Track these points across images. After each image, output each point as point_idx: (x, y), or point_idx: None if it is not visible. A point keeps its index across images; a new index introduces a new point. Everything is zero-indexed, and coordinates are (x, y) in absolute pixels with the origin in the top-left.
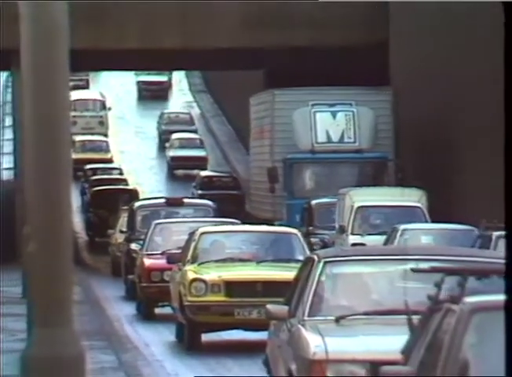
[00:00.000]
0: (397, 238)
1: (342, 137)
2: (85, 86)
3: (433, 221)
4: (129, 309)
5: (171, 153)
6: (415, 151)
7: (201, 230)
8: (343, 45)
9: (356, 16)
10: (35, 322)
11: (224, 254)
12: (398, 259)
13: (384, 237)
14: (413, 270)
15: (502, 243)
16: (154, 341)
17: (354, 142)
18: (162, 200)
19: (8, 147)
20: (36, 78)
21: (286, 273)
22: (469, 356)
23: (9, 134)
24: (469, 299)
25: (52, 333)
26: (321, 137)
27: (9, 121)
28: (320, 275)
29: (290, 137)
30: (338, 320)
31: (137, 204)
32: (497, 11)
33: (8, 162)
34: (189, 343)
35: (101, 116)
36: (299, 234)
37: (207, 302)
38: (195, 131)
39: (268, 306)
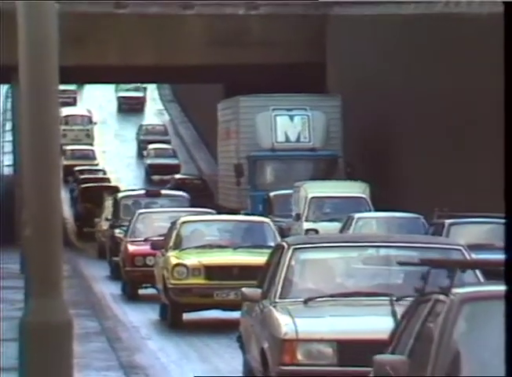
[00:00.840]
0: (353, 225)
1: (299, 137)
2: (73, 103)
3: (376, 210)
4: (114, 287)
5: (149, 161)
6: (360, 149)
7: (182, 219)
8: (288, 62)
9: (299, 37)
10: (31, 294)
11: (204, 241)
12: (360, 246)
13: (334, 223)
14: (400, 263)
15: (454, 230)
16: (139, 319)
17: (309, 142)
18: (143, 192)
19: (8, 147)
20: (30, 91)
21: (260, 258)
22: (460, 345)
23: (9, 137)
24: (459, 290)
25: (45, 303)
26: (280, 137)
27: (9, 126)
28: (290, 260)
29: (253, 137)
30: (306, 301)
31: (120, 195)
32: (430, 23)
33: (8, 160)
34: (172, 322)
35: (88, 129)
36: (271, 223)
37: (189, 285)
38: (168, 141)
39: (244, 289)
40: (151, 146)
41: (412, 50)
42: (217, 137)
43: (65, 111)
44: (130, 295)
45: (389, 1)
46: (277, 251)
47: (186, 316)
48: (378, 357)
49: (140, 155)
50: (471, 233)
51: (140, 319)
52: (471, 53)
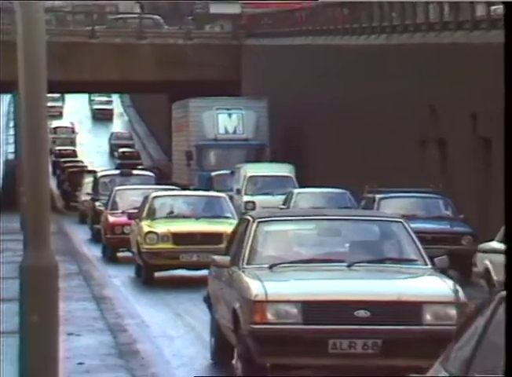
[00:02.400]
0: (293, 198)
1: (235, 130)
2: (60, 116)
3: (300, 187)
4: (96, 246)
5: (118, 161)
6: (283, 140)
7: (153, 194)
8: (213, 79)
9: (222, 60)
10: (28, 245)
11: (171, 211)
12: (315, 219)
13: (266, 197)
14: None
15: (383, 203)
16: (117, 274)
17: (243, 134)
18: (118, 172)
19: (11, 139)
20: (26, 98)
21: (218, 226)
22: None
23: (12, 131)
24: None
25: (38, 251)
26: (221, 130)
27: (12, 123)
28: (255, 232)
29: (200, 130)
30: (271, 267)
31: (99, 174)
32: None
33: (11, 148)
34: (145, 279)
35: (72, 138)
36: (227, 197)
37: (159, 249)
38: (133, 145)
39: (214, 257)
40: (120, 149)
41: (308, 70)
42: (162, 132)
43: (54, 123)
44: (110, 257)
45: (287, 31)
46: (242, 223)
47: (157, 274)
48: None
49: (112, 155)
50: (398, 206)
51: (116, 273)
52: (351, 73)
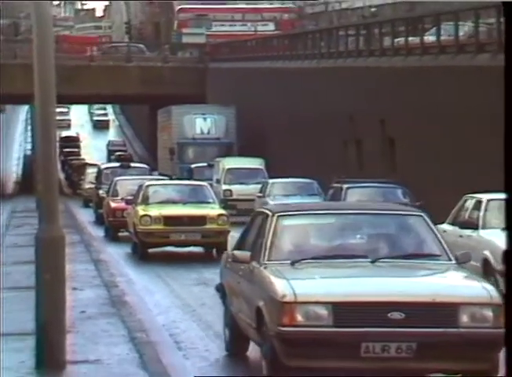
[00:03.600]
0: (268, 188)
1: (209, 131)
2: (68, 127)
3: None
4: (99, 227)
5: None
6: (247, 138)
7: (147, 183)
8: (184, 93)
9: (192, 79)
10: (41, 220)
11: (162, 198)
12: (336, 213)
13: (242, 186)
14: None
15: (350, 192)
16: (116, 251)
17: (215, 134)
18: (118, 164)
19: (29, 139)
20: (40, 107)
21: (202, 210)
22: None
23: (29, 133)
24: None
25: (49, 225)
26: (198, 131)
27: (29, 127)
28: (275, 227)
29: (180, 131)
30: (293, 263)
31: (102, 166)
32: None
33: (29, 146)
34: (141, 255)
35: (78, 151)
36: (208, 186)
37: (152, 230)
38: (125, 150)
39: (235, 252)
40: (116, 153)
41: (260, 86)
42: (145, 134)
43: (63, 133)
44: (112, 237)
45: (241, 57)
46: (258, 217)
47: (150, 251)
48: None
49: (109, 157)
50: (362, 194)
51: (116, 250)
52: (292, 89)
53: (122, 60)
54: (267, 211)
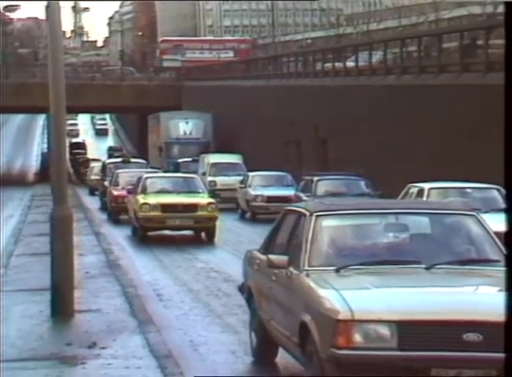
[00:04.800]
0: (249, 180)
1: (190, 132)
2: (77, 135)
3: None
4: (103, 213)
5: None
6: (221, 139)
7: (145, 175)
8: (166, 105)
9: (171, 93)
10: (54, 202)
11: (159, 188)
12: (380, 213)
13: (224, 177)
14: None
15: (320, 184)
16: (120, 233)
17: (196, 135)
18: (120, 159)
19: (45, 140)
20: (54, 117)
21: (193, 199)
22: None
23: (45, 136)
24: None
25: (60, 206)
26: (181, 133)
27: (45, 131)
28: (314, 228)
29: (167, 133)
30: (338, 270)
31: (107, 161)
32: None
33: (45, 146)
34: (140, 237)
35: (85, 152)
36: (198, 178)
37: (151, 216)
38: (123, 153)
39: (271, 256)
40: (115, 155)
41: (226, 99)
42: (135, 136)
43: (73, 140)
44: (114, 220)
45: (209, 77)
46: (289, 216)
47: (149, 234)
48: None
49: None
50: (330, 185)
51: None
52: (249, 101)
53: (116, 79)
54: (303, 210)
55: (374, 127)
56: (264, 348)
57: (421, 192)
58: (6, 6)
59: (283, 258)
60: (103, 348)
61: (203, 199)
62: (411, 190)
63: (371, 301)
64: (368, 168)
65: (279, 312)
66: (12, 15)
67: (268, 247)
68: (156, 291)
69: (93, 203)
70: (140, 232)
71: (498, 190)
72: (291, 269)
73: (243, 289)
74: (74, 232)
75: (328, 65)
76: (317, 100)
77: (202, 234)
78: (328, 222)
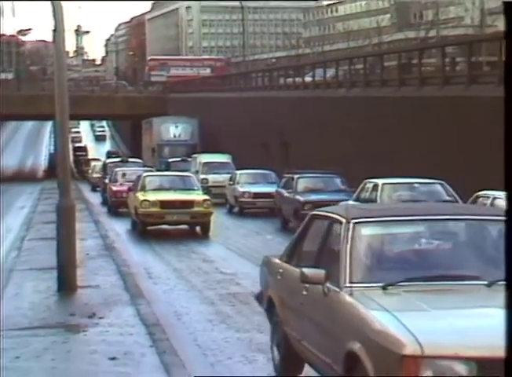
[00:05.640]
0: (236, 177)
1: (180, 135)
2: (80, 141)
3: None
4: (104, 207)
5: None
6: (206, 141)
7: (144, 174)
8: (153, 112)
9: (159, 104)
10: (60, 195)
11: (157, 186)
12: (427, 219)
13: (214, 175)
14: None
15: (300, 181)
16: (116, 222)
17: (184, 137)
18: (119, 159)
19: (52, 142)
20: (59, 123)
21: (189, 196)
22: None
23: (52, 139)
24: None
25: (65, 198)
26: (171, 135)
27: (52, 135)
28: (353, 237)
29: (159, 136)
30: (385, 287)
31: (107, 161)
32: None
33: (52, 148)
34: (140, 231)
35: (86, 155)
36: (193, 176)
37: (150, 212)
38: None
39: (305, 270)
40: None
41: (205, 108)
42: (128, 140)
43: (76, 144)
44: (113, 213)
45: (189, 90)
46: (317, 222)
47: (149, 228)
48: None
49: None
50: (310, 182)
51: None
52: (228, 109)
53: (112, 91)
54: (337, 216)
55: (329, 131)
56: (288, 364)
57: (375, 186)
58: (19, 31)
59: (320, 273)
60: (101, 318)
61: (199, 196)
62: (366, 185)
63: (440, 330)
64: (324, 167)
65: (313, 333)
66: (24, 38)
67: (291, 255)
68: (146, 270)
69: (94, 197)
70: (140, 226)
71: (441, 184)
72: (328, 284)
73: (261, 298)
74: (77, 219)
75: (290, 80)
76: (281, 109)
77: (197, 228)
78: (369, 230)
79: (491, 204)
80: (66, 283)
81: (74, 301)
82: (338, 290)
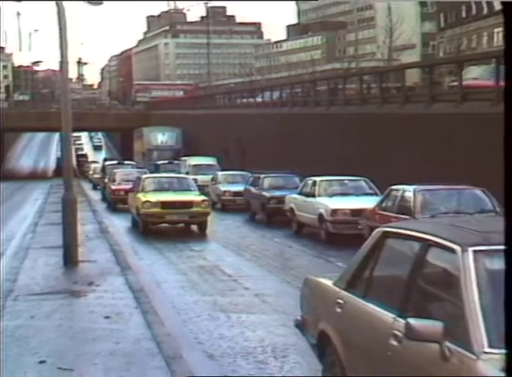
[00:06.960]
0: (218, 178)
1: (166, 142)
2: (82, 150)
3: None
4: (104, 204)
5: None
6: (190, 146)
7: (144, 176)
8: (137, 125)
9: (142, 118)
10: (65, 189)
11: (157, 187)
12: None
13: (203, 176)
14: None
15: (266, 179)
16: (120, 221)
17: (170, 143)
18: (116, 161)
19: (59, 149)
20: (64, 134)
21: (188, 196)
22: None
23: (59, 147)
24: None
25: (68, 192)
26: (159, 142)
27: (59, 144)
28: (477, 275)
29: (148, 142)
30: None
31: (106, 163)
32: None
33: (59, 153)
34: (142, 230)
35: (86, 159)
36: (190, 177)
37: (151, 212)
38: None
39: (413, 322)
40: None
41: (185, 121)
42: (118, 147)
43: (79, 152)
44: (112, 208)
45: (169, 107)
46: (395, 243)
47: (150, 227)
48: None
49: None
50: (274, 181)
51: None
52: (203, 122)
53: (106, 109)
54: (439, 240)
55: (276, 140)
56: None
57: (314, 182)
58: (34, 62)
59: (437, 327)
60: (97, 285)
61: (197, 196)
62: (307, 182)
63: None
64: (275, 168)
65: None
66: (37, 68)
67: (354, 281)
68: (134, 249)
69: (94, 195)
70: (142, 225)
71: (364, 181)
72: (449, 344)
73: (305, 328)
74: (78, 209)
75: (245, 100)
76: (239, 123)
77: (194, 226)
78: (494, 264)
79: (402, 196)
80: (70, 259)
81: (77, 272)
82: (471, 356)
